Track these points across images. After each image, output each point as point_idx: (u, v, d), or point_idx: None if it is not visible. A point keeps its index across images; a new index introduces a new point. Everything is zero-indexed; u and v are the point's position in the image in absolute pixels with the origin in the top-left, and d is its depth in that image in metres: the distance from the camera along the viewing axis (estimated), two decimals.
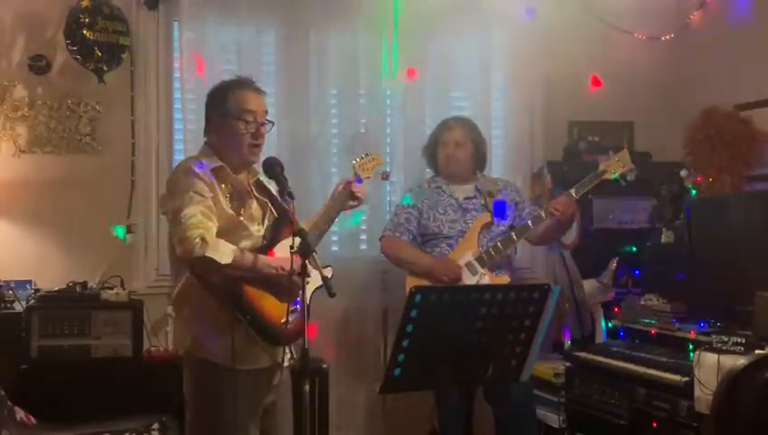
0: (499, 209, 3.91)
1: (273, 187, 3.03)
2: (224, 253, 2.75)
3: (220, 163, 2.92)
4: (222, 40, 4.36)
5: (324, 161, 4.49)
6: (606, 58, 4.64)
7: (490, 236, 3.92)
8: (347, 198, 3.18)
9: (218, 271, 2.77)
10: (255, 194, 3.00)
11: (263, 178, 3.03)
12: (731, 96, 4.31)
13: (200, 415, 2.91)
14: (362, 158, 3.31)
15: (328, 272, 3.07)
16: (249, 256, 2.83)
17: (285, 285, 2.79)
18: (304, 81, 4.43)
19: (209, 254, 2.72)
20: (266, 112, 2.99)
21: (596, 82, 4.54)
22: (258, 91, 3.02)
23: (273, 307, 2.85)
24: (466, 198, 4.03)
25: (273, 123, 3.02)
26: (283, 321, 2.83)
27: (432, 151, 4.14)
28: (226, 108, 2.94)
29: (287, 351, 2.91)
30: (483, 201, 3.99)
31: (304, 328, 2.79)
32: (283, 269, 2.77)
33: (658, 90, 4.83)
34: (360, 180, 3.23)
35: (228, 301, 2.80)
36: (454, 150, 4.04)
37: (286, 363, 2.95)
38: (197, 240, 2.72)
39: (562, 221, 3.80)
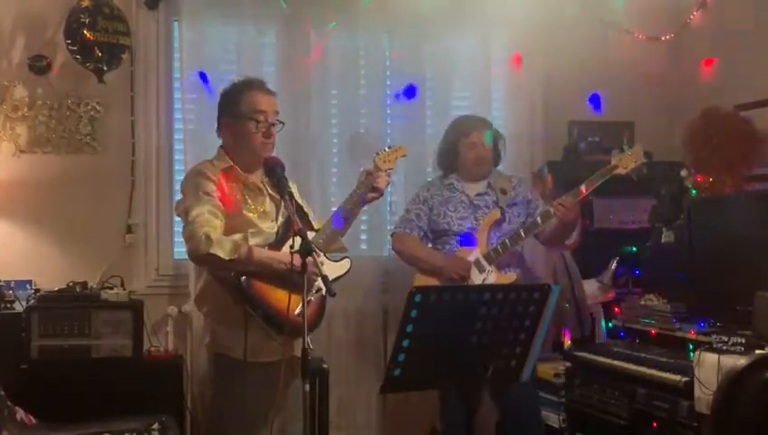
0: None
1: (294, 186, 3.10)
2: (228, 249, 2.79)
3: (230, 163, 3.01)
4: (222, 40, 4.37)
5: (324, 161, 4.49)
6: (606, 58, 4.64)
7: (500, 233, 3.89)
8: (367, 189, 3.17)
9: (224, 267, 2.83)
10: (269, 191, 3.06)
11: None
12: (731, 96, 4.30)
13: (215, 407, 3.03)
14: (384, 151, 3.30)
15: (345, 265, 3.10)
16: (257, 252, 2.87)
17: (296, 279, 2.80)
18: (304, 81, 4.44)
19: (213, 251, 2.79)
20: (277, 113, 3.08)
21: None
22: (269, 92, 3.10)
23: (284, 299, 2.86)
24: (478, 195, 3.96)
25: (283, 123, 3.08)
26: (297, 312, 2.84)
27: (452, 152, 4.02)
28: (239, 109, 3.02)
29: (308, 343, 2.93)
30: (495, 197, 3.93)
31: (314, 320, 2.83)
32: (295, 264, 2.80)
33: (658, 90, 4.82)
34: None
35: (238, 296, 2.83)
36: (484, 152, 3.97)
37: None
38: (202, 238, 2.79)
39: (565, 221, 3.74)
